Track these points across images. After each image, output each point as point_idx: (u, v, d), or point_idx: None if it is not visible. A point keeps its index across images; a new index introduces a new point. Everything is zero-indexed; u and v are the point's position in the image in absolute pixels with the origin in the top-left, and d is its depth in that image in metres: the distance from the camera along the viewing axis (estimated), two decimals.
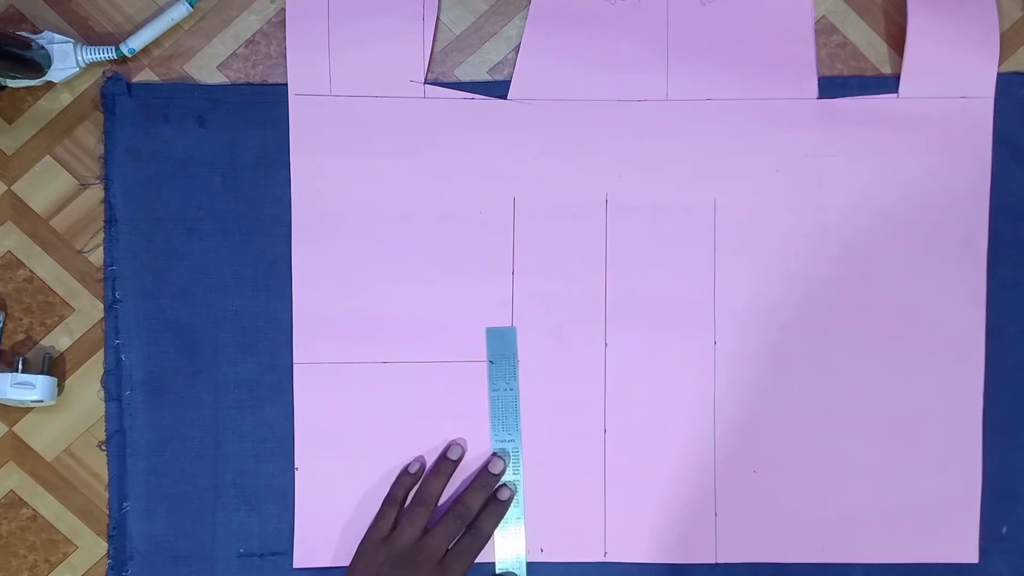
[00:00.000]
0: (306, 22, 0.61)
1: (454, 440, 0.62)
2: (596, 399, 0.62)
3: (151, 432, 0.62)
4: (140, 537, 0.62)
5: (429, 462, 0.62)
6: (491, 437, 0.62)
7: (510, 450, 0.62)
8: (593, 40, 0.62)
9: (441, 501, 0.61)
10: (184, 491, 0.62)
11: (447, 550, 0.58)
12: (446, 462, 0.61)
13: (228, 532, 0.62)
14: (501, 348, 0.62)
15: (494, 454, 0.62)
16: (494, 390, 0.62)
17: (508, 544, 0.61)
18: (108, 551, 0.62)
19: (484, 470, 0.61)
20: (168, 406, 0.62)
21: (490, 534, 0.60)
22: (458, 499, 0.61)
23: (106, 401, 0.62)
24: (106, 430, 0.62)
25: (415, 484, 0.61)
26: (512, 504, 0.61)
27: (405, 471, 0.61)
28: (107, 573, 0.62)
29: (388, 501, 0.60)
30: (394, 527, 0.60)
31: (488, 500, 0.61)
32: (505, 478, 0.62)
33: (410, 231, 0.62)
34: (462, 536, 0.59)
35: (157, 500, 0.62)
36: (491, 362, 0.62)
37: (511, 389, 0.62)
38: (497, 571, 0.61)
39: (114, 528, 0.62)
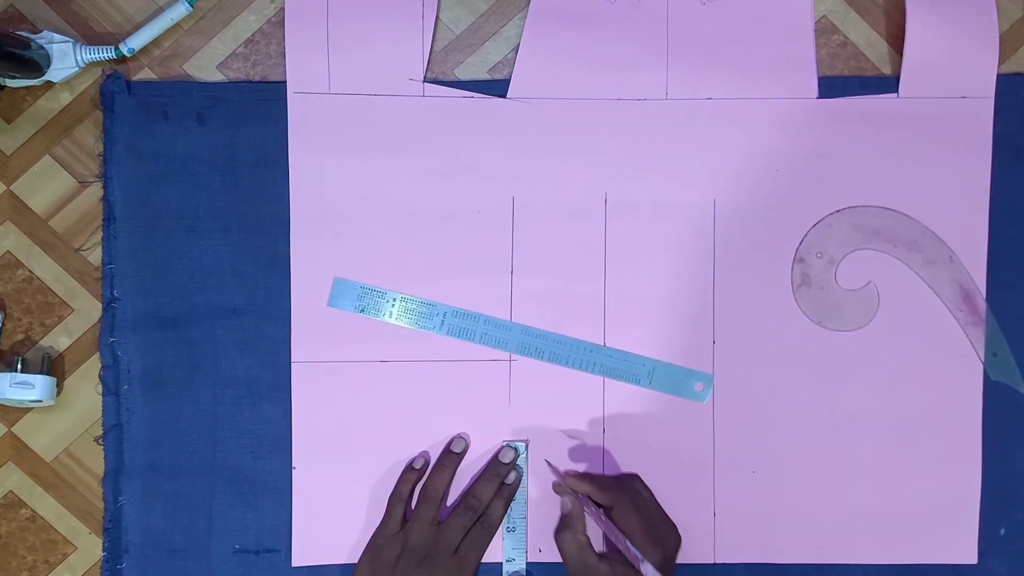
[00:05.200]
0: (305, 20, 0.61)
1: (458, 434, 0.62)
2: (596, 399, 0.62)
3: (148, 427, 0.62)
4: (136, 530, 0.62)
5: (432, 458, 0.62)
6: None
7: (520, 448, 0.62)
8: (593, 39, 0.62)
9: (448, 495, 0.61)
10: (180, 486, 0.61)
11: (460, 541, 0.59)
12: (450, 456, 0.61)
13: (224, 528, 0.61)
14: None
15: (505, 444, 0.61)
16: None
17: (516, 543, 0.61)
18: (103, 544, 0.62)
19: (494, 460, 0.61)
20: (166, 401, 0.62)
21: (500, 520, 0.60)
22: (469, 491, 0.61)
23: (103, 395, 0.62)
24: (103, 424, 0.62)
25: (420, 479, 0.61)
26: (520, 502, 0.61)
27: (410, 467, 0.61)
28: (102, 566, 0.62)
29: (394, 498, 0.60)
30: (403, 523, 0.60)
31: (497, 489, 0.61)
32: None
33: (409, 230, 0.62)
34: (473, 526, 0.59)
35: (153, 494, 0.61)
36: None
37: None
38: (505, 572, 0.61)
39: (109, 521, 0.62)
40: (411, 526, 0.59)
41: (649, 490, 0.59)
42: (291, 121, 0.62)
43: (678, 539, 0.58)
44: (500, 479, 0.61)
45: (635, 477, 0.60)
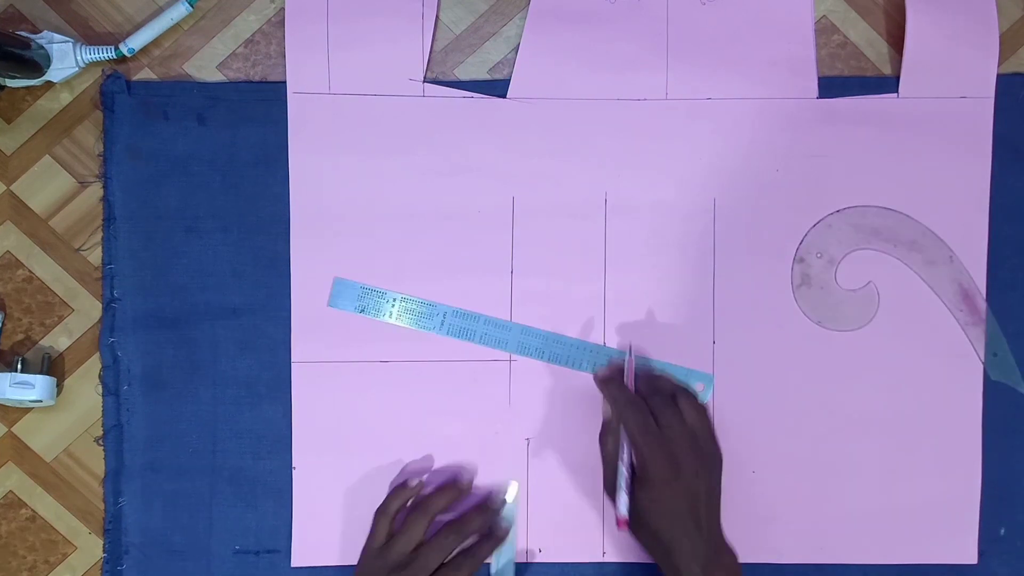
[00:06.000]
0: (305, 20, 0.61)
1: (465, 471, 0.61)
2: (596, 399, 0.62)
3: (148, 427, 0.62)
4: (136, 531, 0.62)
5: (427, 463, 0.62)
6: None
7: (510, 498, 0.62)
8: (593, 39, 0.62)
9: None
10: (181, 486, 0.62)
11: (441, 564, 0.58)
12: (455, 487, 0.60)
13: (224, 528, 0.62)
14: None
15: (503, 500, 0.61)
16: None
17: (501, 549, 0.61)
18: (103, 544, 0.62)
19: (493, 492, 0.61)
20: (166, 401, 0.62)
21: (483, 561, 0.59)
22: (460, 515, 0.60)
23: (104, 396, 0.62)
24: (103, 424, 0.62)
25: (410, 499, 0.60)
26: (512, 503, 0.61)
27: (404, 484, 0.60)
28: (102, 566, 0.62)
29: (381, 513, 0.59)
30: (388, 538, 0.59)
31: (489, 525, 0.60)
32: None
33: (409, 230, 0.62)
34: (457, 554, 0.58)
35: (153, 495, 0.62)
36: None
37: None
38: (491, 572, 0.61)
39: (109, 522, 0.62)
40: (395, 541, 0.58)
41: (698, 411, 0.57)
42: (291, 121, 0.62)
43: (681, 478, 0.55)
44: (493, 512, 0.60)
45: (678, 395, 0.58)
